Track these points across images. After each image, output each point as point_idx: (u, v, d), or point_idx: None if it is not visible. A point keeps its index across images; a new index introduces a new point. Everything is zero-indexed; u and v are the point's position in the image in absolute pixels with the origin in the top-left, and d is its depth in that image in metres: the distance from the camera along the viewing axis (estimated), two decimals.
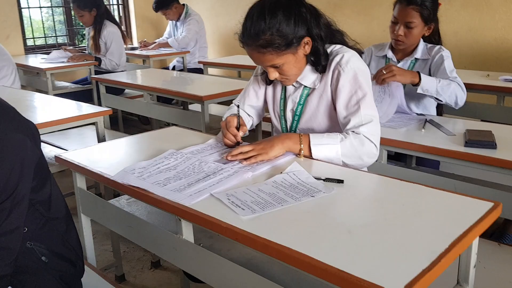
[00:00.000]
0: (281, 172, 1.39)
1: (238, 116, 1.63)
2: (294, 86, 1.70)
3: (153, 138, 1.90)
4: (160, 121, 4.01)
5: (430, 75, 2.27)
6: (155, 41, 5.33)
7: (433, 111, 2.38)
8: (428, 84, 2.10)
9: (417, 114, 2.27)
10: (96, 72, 4.59)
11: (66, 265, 1.39)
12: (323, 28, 1.59)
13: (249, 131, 1.75)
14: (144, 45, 5.30)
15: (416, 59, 2.33)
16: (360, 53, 1.66)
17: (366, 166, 1.57)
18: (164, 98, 4.04)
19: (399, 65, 2.35)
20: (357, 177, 1.39)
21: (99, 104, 3.74)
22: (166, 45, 5.13)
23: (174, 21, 5.26)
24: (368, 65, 2.50)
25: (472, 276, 1.19)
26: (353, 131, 1.51)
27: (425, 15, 2.20)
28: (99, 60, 4.54)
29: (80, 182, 1.72)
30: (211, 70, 4.89)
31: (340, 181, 1.32)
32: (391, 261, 0.93)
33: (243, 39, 1.51)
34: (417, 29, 2.23)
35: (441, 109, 2.47)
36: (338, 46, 1.64)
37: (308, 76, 1.64)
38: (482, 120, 2.80)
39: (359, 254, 0.96)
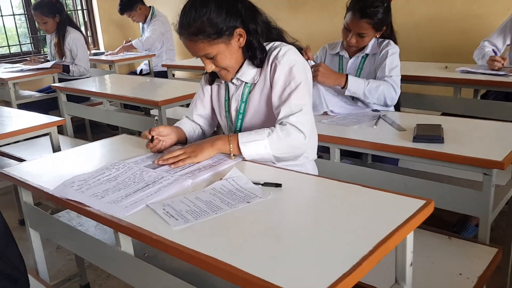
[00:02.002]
0: (220, 179, 1.38)
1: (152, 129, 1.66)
2: (235, 84, 1.72)
3: (103, 147, 1.88)
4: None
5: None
6: (123, 44, 5.28)
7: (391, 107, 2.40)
8: (354, 87, 2.16)
9: (373, 110, 2.28)
10: (61, 80, 4.52)
11: (5, 282, 1.36)
12: (260, 24, 1.62)
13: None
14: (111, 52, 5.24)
15: (366, 54, 2.35)
16: (300, 49, 1.69)
17: (299, 156, 1.58)
18: (131, 105, 4.01)
19: (351, 61, 2.39)
20: (296, 180, 1.39)
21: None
22: (131, 47, 5.08)
23: (141, 23, 5.21)
24: (323, 61, 2.52)
25: (410, 274, 1.19)
26: (281, 123, 1.53)
27: (377, 25, 2.23)
28: (67, 67, 4.47)
29: (26, 197, 1.69)
30: (178, 73, 4.85)
31: (278, 185, 1.32)
32: (315, 267, 0.93)
33: (178, 30, 1.55)
34: (369, 37, 2.29)
35: (399, 103, 2.49)
36: (278, 42, 1.66)
37: (248, 72, 1.65)
38: (442, 114, 2.83)
39: (283, 261, 0.95)
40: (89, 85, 3.48)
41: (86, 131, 4.36)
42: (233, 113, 1.74)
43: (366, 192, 1.26)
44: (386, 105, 2.22)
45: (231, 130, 1.77)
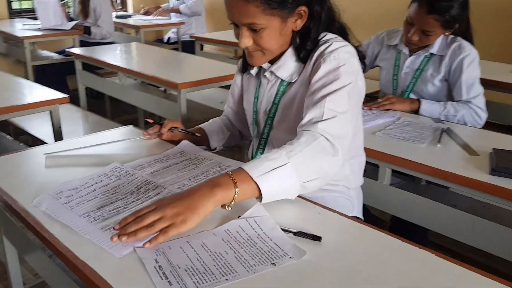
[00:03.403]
0: (238, 216, 1.02)
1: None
2: (268, 79, 1.35)
3: (104, 140, 1.52)
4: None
5: (445, 75, 1.93)
6: (161, 5, 4.90)
7: None
8: (428, 113, 1.90)
9: (436, 120, 1.87)
10: (82, 42, 4.20)
11: None
12: (326, 11, 1.26)
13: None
14: (146, 12, 4.89)
15: (431, 54, 1.95)
16: (359, 53, 1.29)
17: (329, 178, 1.10)
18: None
19: (410, 59, 2.02)
20: (344, 230, 1.01)
21: None
22: (172, 11, 4.73)
23: None
24: (378, 53, 2.11)
25: None
26: (304, 130, 1.11)
27: (447, 23, 1.83)
28: (88, 29, 4.14)
29: None
30: (207, 47, 4.46)
31: (317, 238, 0.95)
32: None
33: None
34: (435, 36, 1.91)
35: None
36: (331, 35, 1.28)
37: (287, 65, 1.30)
38: (508, 126, 2.39)
39: None
40: (105, 53, 3.11)
41: (106, 105, 3.97)
42: (262, 115, 1.39)
43: (438, 264, 0.89)
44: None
45: (258, 136, 1.42)
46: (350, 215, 1.34)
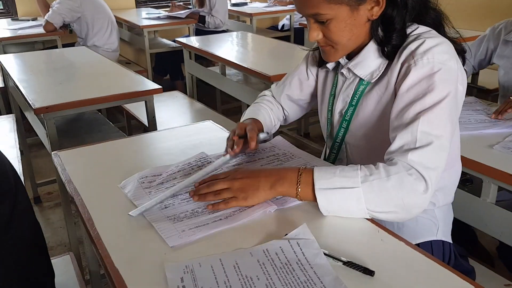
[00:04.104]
0: (286, 235, 0.91)
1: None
2: (345, 76, 1.19)
3: (182, 138, 1.49)
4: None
5: None
6: None
7: None
8: None
9: None
10: (198, 31, 4.33)
11: None
12: None
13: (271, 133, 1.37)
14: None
15: None
16: (461, 52, 1.08)
17: (416, 214, 0.97)
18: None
19: None
20: (405, 264, 0.85)
21: None
22: None
23: None
24: (494, 48, 1.81)
25: None
26: (392, 160, 0.97)
27: None
28: (202, 18, 4.24)
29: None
30: None
31: (368, 272, 0.80)
32: None
33: None
34: None
35: None
36: (424, 28, 1.08)
37: (367, 62, 1.12)
38: None
39: None
40: (208, 43, 3.12)
41: (216, 92, 4.00)
42: (337, 116, 1.23)
43: None
44: None
45: (331, 138, 1.27)
46: (433, 238, 1.16)
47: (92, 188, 1.15)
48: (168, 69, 4.46)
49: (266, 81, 2.23)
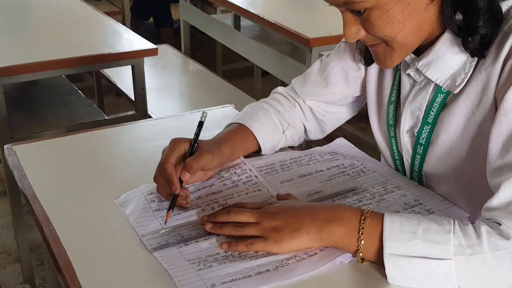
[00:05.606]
0: None
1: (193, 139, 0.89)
2: (414, 79, 0.90)
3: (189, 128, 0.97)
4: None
5: None
6: None
7: None
8: None
9: None
10: None
11: None
12: None
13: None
14: None
15: None
16: None
17: None
18: None
19: None
20: None
21: None
22: None
23: None
24: None
25: None
26: (498, 224, 0.71)
27: None
28: None
29: None
30: None
31: None
32: None
33: None
34: None
35: None
36: None
37: (444, 60, 0.83)
38: None
39: None
40: None
41: (217, 47, 3.18)
42: (405, 137, 0.93)
43: None
44: None
45: (399, 169, 0.97)
46: None
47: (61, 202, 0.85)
48: (152, 11, 3.81)
49: (301, 44, 1.71)
